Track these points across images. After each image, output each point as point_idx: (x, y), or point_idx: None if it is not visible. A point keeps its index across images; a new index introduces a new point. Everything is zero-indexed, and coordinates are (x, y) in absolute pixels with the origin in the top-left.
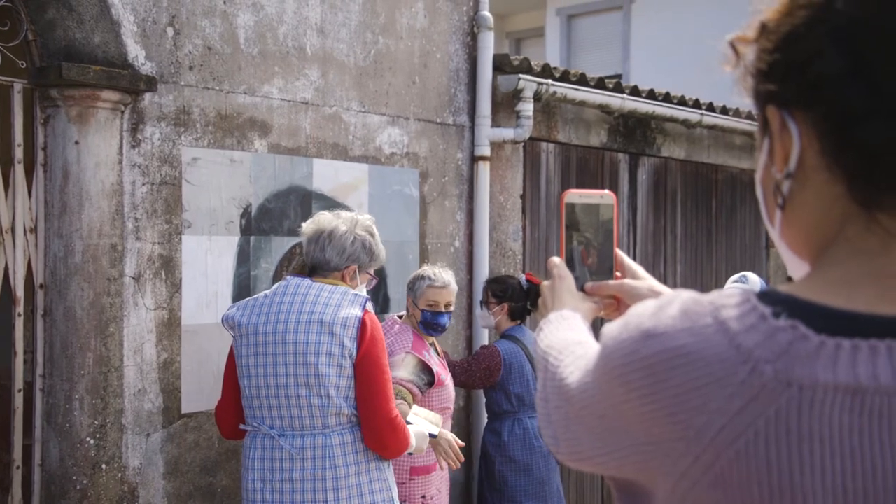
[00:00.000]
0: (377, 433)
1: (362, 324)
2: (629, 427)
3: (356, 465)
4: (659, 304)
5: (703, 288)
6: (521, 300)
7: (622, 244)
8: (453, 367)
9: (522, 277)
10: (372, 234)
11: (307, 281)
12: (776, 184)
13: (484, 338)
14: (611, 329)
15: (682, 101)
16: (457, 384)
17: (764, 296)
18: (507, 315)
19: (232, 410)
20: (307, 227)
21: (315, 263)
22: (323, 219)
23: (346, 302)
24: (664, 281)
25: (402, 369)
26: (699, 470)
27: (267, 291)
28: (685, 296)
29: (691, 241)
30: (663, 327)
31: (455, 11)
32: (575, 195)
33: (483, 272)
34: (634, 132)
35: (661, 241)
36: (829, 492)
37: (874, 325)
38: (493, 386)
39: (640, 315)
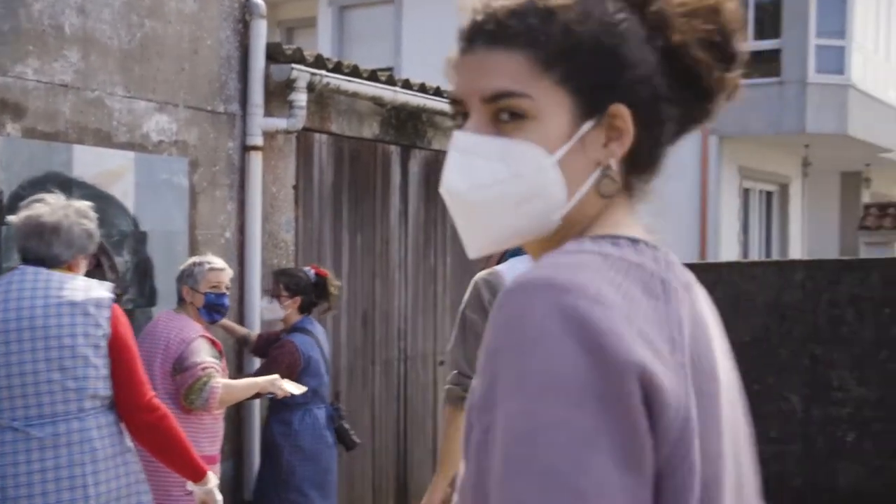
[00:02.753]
0: (134, 415)
1: (113, 306)
2: None
3: (112, 447)
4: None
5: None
6: (310, 293)
7: (393, 236)
8: (250, 374)
9: (310, 271)
10: (90, 219)
11: (44, 269)
12: (604, 166)
13: (256, 329)
14: None
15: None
16: (251, 386)
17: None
18: (297, 308)
19: None
20: (22, 219)
21: (40, 258)
22: (41, 211)
23: (93, 285)
24: (435, 270)
25: (203, 353)
26: None
27: None
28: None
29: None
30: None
31: None
32: None
33: (255, 263)
34: (406, 125)
35: (432, 232)
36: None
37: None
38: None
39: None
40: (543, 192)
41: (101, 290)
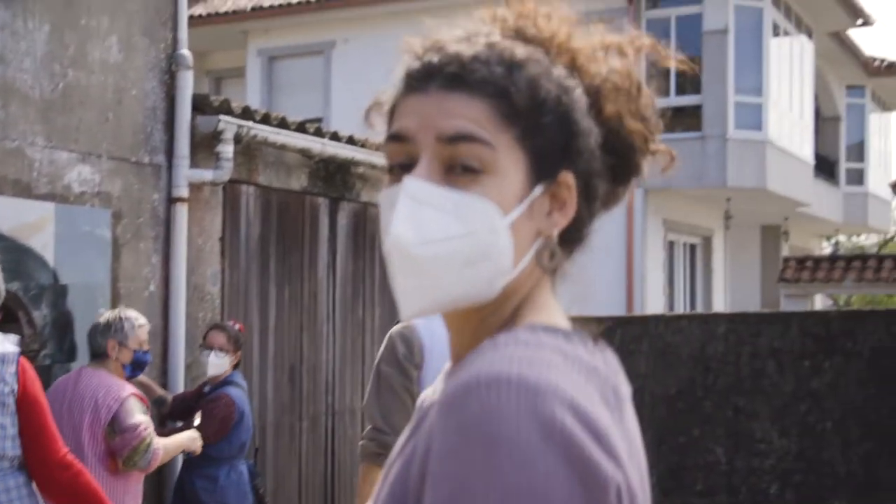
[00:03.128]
0: (47, 474)
1: (20, 361)
2: None
3: None
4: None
5: None
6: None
7: (321, 289)
8: (175, 429)
9: (234, 325)
10: None
11: None
12: (546, 237)
13: (180, 383)
14: None
15: (380, 148)
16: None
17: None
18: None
19: None
20: None
21: None
22: None
23: None
24: (363, 323)
25: (137, 412)
26: None
27: None
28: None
29: (389, 286)
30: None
31: (152, 48)
32: None
33: (180, 316)
34: (335, 177)
35: (360, 284)
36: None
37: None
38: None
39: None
40: (493, 256)
41: (6, 345)
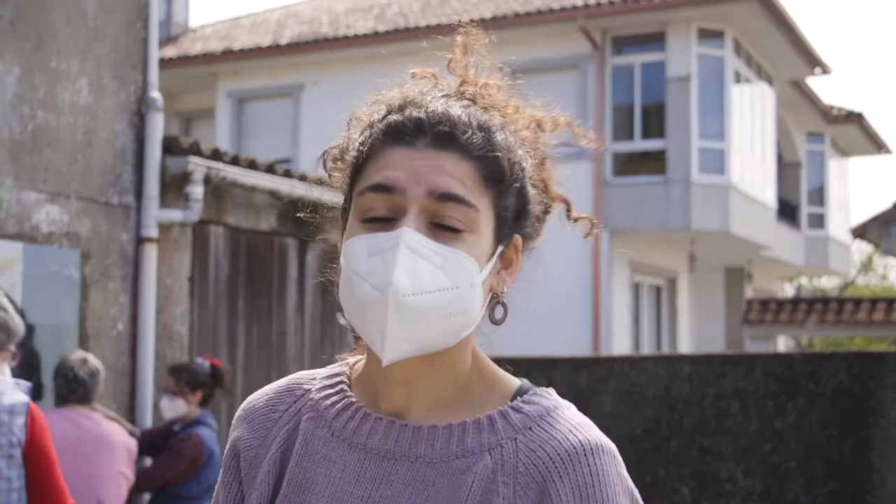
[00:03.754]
0: None
1: (30, 411)
2: None
3: None
4: None
5: None
6: (209, 386)
7: (291, 328)
8: (150, 467)
9: (204, 363)
10: (6, 310)
11: None
12: (498, 293)
13: (148, 423)
14: None
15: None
16: (152, 481)
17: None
18: (198, 402)
19: None
20: None
21: None
22: None
23: (7, 388)
24: (331, 363)
25: None
26: None
27: None
28: None
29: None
30: None
31: (122, 90)
32: None
33: (148, 356)
34: (303, 218)
35: (329, 325)
36: None
37: None
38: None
39: None
40: (469, 309)
41: (16, 394)
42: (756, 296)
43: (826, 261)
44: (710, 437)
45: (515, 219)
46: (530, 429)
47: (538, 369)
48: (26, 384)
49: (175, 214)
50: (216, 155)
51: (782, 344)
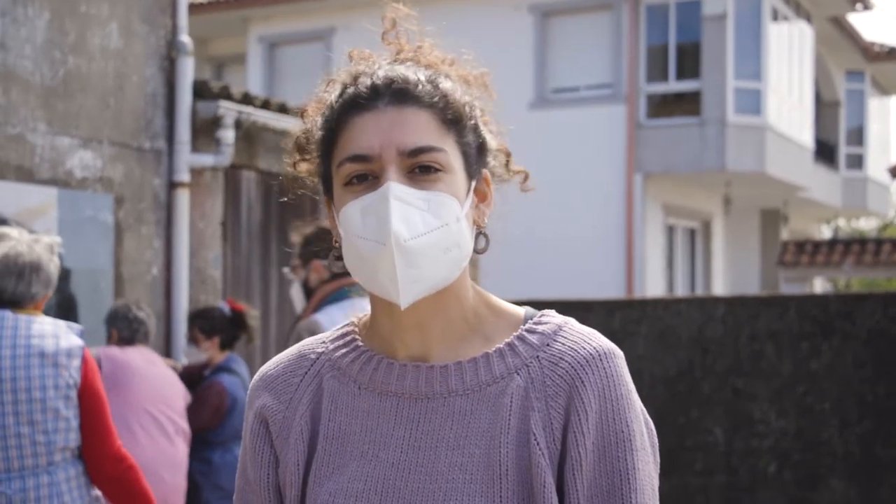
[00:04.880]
0: (100, 465)
1: (84, 353)
2: None
3: (81, 499)
4: None
5: None
6: (228, 330)
7: None
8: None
9: (225, 306)
10: (56, 255)
11: (9, 313)
12: (480, 226)
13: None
14: None
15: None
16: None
17: None
18: (217, 347)
19: None
20: None
21: (16, 299)
22: (20, 249)
23: (62, 331)
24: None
25: None
26: None
27: None
28: None
29: None
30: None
31: (152, 34)
32: None
33: (182, 300)
34: None
35: None
36: None
37: None
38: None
39: None
40: (461, 242)
41: (71, 337)
42: (792, 238)
43: (864, 202)
44: (743, 378)
45: (478, 154)
46: (548, 345)
47: (572, 312)
48: (78, 327)
49: (206, 159)
50: (247, 99)
51: (818, 286)
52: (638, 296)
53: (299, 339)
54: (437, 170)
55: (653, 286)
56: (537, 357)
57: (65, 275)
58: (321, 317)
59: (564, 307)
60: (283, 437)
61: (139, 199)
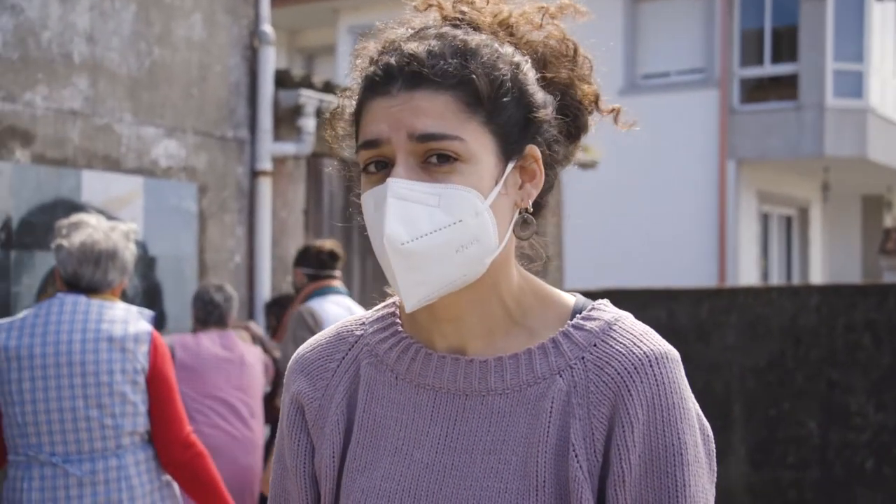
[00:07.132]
0: (169, 450)
1: (153, 339)
2: None
3: (150, 483)
4: None
5: None
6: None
7: None
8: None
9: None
10: (132, 242)
11: (83, 298)
12: (523, 209)
13: None
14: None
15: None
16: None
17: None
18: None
19: None
20: (76, 245)
21: (93, 286)
22: (96, 237)
23: (132, 317)
24: None
25: None
26: None
27: (33, 311)
28: None
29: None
30: None
31: (235, 24)
32: None
33: (264, 288)
34: None
35: None
36: None
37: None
38: None
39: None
40: (481, 237)
41: (140, 323)
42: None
43: None
44: (838, 369)
45: (523, 130)
46: (595, 345)
47: (658, 301)
48: (150, 313)
49: (288, 148)
50: (328, 87)
51: None
52: (731, 285)
53: (300, 319)
54: (454, 159)
55: (746, 275)
56: (582, 358)
57: (150, 262)
58: (313, 304)
59: (651, 296)
60: (319, 426)
61: (222, 187)
